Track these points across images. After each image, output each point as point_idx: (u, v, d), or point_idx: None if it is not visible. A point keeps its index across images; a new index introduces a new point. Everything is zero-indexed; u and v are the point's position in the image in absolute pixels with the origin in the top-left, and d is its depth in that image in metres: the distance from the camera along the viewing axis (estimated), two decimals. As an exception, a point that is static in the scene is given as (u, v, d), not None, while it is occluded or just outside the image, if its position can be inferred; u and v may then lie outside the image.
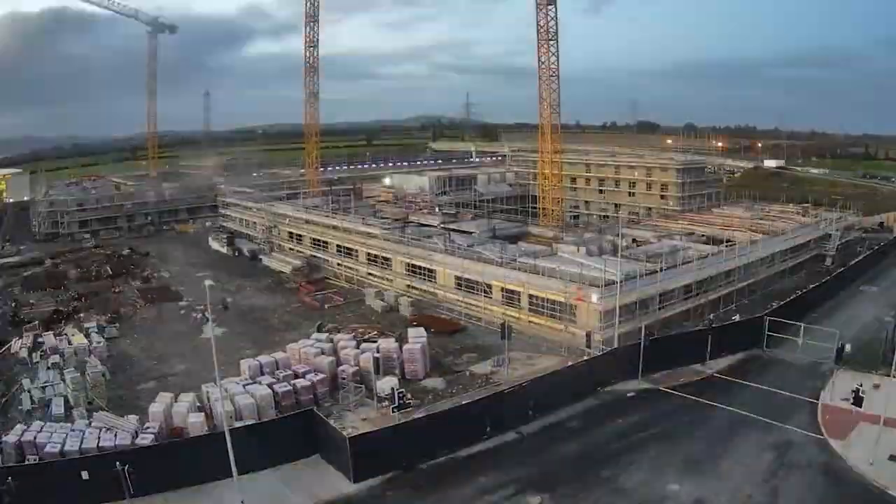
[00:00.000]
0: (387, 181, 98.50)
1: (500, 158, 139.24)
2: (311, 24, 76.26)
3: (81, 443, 27.74)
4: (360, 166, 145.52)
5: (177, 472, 25.94)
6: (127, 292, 57.33)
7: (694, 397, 34.05)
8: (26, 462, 26.98)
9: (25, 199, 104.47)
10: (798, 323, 40.09)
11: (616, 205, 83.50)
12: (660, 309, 42.13)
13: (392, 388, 31.94)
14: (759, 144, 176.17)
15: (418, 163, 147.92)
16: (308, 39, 76.82)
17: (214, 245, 77.70)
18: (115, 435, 28.40)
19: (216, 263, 69.70)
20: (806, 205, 71.21)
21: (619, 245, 48.75)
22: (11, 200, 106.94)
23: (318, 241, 65.25)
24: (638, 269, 41.07)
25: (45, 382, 35.55)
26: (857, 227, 71.02)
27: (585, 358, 36.83)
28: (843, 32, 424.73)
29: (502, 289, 44.68)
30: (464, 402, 31.69)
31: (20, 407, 33.64)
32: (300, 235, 68.70)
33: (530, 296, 42.91)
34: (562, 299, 40.58)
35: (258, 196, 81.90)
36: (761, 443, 29.13)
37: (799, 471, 26.81)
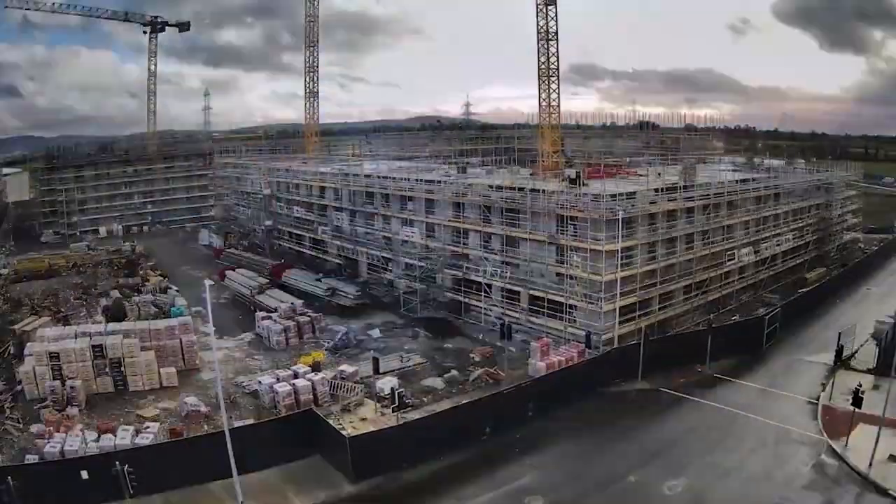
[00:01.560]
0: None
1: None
2: (311, 23, 76.33)
3: (81, 443, 27.79)
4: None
5: (177, 472, 25.94)
6: (126, 291, 57.16)
7: (694, 397, 34.10)
8: (26, 462, 27.00)
9: (25, 199, 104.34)
10: (798, 323, 40.12)
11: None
12: (660, 310, 42.16)
13: (392, 388, 31.96)
14: (760, 144, 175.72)
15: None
16: (308, 40, 76.89)
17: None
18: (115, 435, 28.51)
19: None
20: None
21: (619, 244, 48.70)
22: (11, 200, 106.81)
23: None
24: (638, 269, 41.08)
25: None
26: (857, 228, 71.08)
27: (585, 358, 36.83)
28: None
29: (502, 289, 44.62)
30: (463, 403, 31.74)
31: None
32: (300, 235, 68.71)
33: (531, 296, 42.84)
34: (561, 299, 40.55)
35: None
36: (761, 443, 29.14)
37: (798, 471, 26.81)
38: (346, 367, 35.99)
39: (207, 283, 25.58)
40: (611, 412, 32.85)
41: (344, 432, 28.17)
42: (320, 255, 61.86)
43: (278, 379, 33.92)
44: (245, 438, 26.21)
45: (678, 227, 43.59)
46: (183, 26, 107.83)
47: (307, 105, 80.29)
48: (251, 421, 30.55)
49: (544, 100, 58.65)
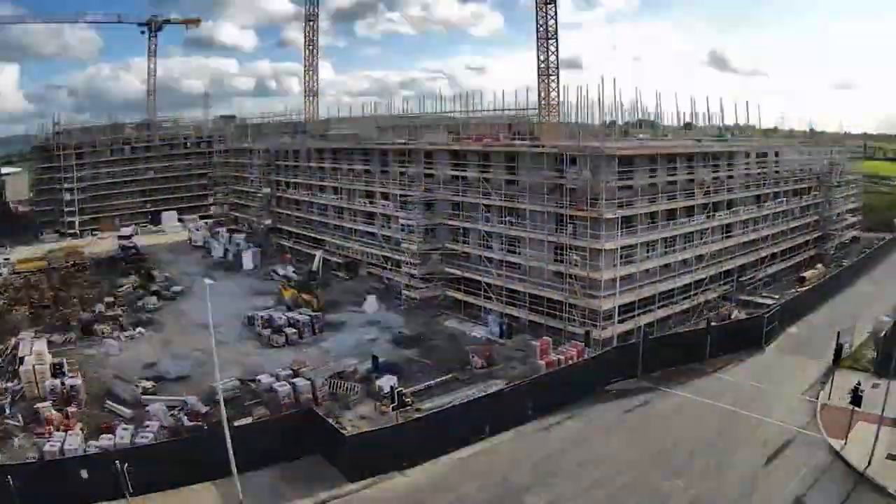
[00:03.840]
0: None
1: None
2: (311, 22, 76.31)
3: (82, 442, 27.83)
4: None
5: (176, 471, 25.93)
6: (127, 292, 57.17)
7: (692, 396, 34.11)
8: (26, 461, 26.98)
9: (24, 198, 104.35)
10: (797, 321, 40.02)
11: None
12: (659, 308, 42.16)
13: (391, 387, 31.93)
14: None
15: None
16: (307, 38, 76.89)
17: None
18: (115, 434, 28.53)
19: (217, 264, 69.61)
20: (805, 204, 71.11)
21: (618, 243, 48.73)
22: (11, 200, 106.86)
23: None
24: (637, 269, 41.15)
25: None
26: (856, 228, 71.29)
27: (584, 357, 36.81)
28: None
29: (502, 287, 44.61)
30: (463, 402, 31.71)
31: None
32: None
33: (530, 294, 42.82)
34: (561, 298, 40.53)
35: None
36: (760, 442, 29.16)
37: (798, 470, 26.80)
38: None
39: (207, 281, 25.56)
40: (610, 411, 32.83)
41: (343, 431, 28.19)
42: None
43: (277, 378, 33.99)
44: (245, 437, 26.24)
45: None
46: (191, 23, 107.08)
47: (307, 103, 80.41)
48: (251, 420, 30.59)
49: (544, 97, 58.85)
